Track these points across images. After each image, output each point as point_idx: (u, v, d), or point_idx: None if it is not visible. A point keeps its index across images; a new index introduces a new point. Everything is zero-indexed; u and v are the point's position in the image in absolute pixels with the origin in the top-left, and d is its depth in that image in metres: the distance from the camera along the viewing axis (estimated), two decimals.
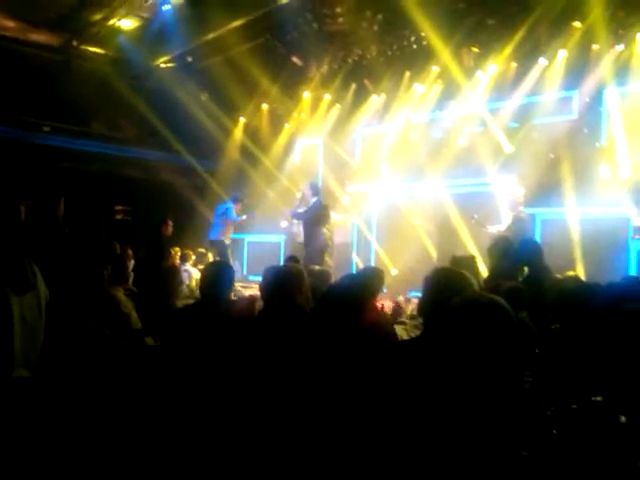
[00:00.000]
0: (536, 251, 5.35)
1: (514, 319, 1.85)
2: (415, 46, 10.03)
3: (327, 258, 8.69)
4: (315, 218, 8.85)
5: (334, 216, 9.64)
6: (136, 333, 3.91)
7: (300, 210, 9.20)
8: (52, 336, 3.15)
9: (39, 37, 11.21)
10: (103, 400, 2.92)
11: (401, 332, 4.22)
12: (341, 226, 10.78)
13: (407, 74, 10.49)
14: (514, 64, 9.37)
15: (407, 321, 4.97)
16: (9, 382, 2.79)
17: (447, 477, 1.73)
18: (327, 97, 11.81)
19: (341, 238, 10.77)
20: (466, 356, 1.87)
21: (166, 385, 3.03)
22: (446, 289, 2.63)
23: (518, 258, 5.30)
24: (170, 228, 8.83)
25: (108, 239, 5.72)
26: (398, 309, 5.77)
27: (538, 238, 8.35)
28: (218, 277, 3.80)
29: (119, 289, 4.57)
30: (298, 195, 9.60)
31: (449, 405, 1.85)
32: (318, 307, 3.20)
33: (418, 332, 3.60)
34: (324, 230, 8.78)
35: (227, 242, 10.79)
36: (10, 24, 10.63)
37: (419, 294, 7.28)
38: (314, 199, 9.04)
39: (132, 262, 6.58)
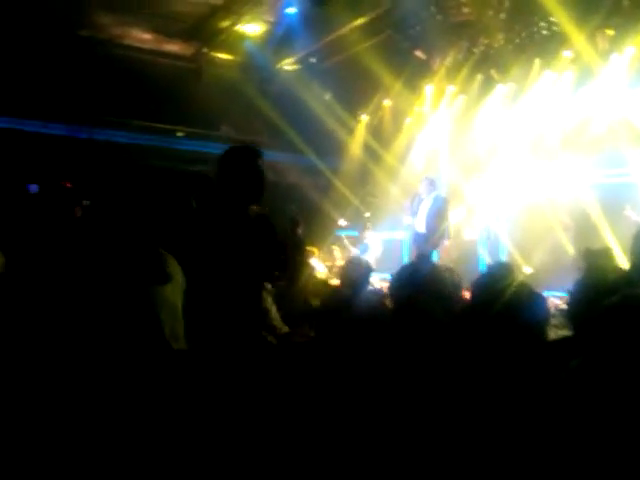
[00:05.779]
0: None
1: None
2: (545, 32, 9.64)
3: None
4: (440, 213, 8.77)
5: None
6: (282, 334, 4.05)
7: (414, 203, 9.10)
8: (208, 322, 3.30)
9: (173, 47, 11.83)
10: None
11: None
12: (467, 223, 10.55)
13: (537, 61, 10.05)
14: None
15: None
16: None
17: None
18: (451, 89, 11.55)
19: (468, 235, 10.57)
20: (628, 359, 1.73)
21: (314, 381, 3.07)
22: (602, 288, 2.48)
23: None
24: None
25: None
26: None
27: None
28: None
29: None
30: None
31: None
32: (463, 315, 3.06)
33: (563, 332, 3.41)
34: (446, 226, 8.72)
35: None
36: (147, 37, 11.29)
37: (555, 293, 6.90)
38: (434, 194, 8.90)
39: None
